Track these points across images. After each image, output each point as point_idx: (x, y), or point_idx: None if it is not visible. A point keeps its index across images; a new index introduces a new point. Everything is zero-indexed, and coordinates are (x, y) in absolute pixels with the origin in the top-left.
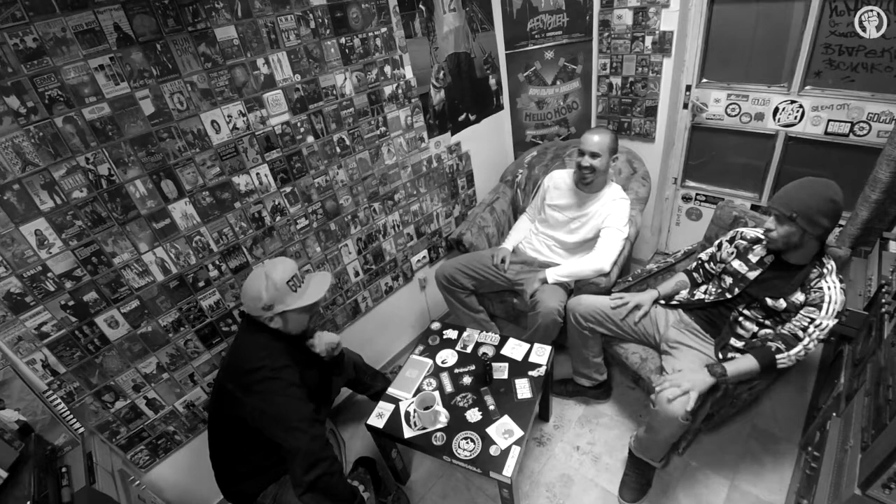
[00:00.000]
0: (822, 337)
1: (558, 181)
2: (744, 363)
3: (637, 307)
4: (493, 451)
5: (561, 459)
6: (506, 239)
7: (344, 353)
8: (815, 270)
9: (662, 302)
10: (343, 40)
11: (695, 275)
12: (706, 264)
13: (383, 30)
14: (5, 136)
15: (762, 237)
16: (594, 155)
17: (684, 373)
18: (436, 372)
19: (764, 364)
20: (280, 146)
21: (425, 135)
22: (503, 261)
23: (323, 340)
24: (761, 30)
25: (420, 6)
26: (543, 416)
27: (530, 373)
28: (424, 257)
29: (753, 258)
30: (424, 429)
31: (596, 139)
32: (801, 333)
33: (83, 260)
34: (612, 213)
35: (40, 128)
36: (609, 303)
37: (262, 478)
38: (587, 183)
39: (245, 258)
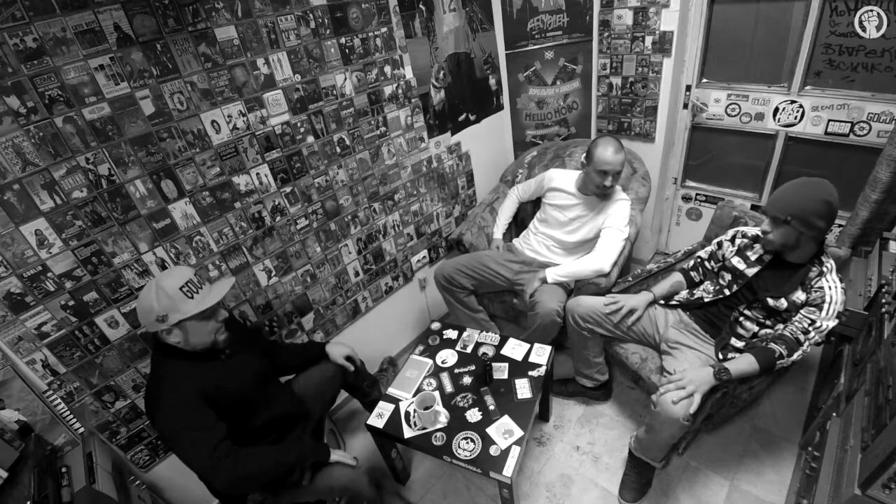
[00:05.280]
0: (820, 339)
1: (559, 182)
2: (745, 363)
3: (631, 311)
4: (493, 451)
5: (561, 459)
6: (496, 226)
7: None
8: (814, 269)
9: (662, 302)
10: (343, 40)
11: (692, 273)
12: (705, 262)
13: (383, 30)
14: (5, 136)
15: (760, 234)
16: (618, 174)
17: (686, 372)
18: (436, 372)
19: (764, 367)
20: (280, 146)
21: (425, 135)
22: (498, 248)
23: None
24: (761, 30)
25: (420, 6)
26: (543, 416)
27: (530, 373)
28: (424, 257)
29: (752, 256)
30: (424, 429)
31: (620, 158)
32: (801, 337)
33: (83, 260)
34: (612, 213)
35: (40, 128)
36: (603, 307)
37: None
38: (606, 195)
39: (245, 258)
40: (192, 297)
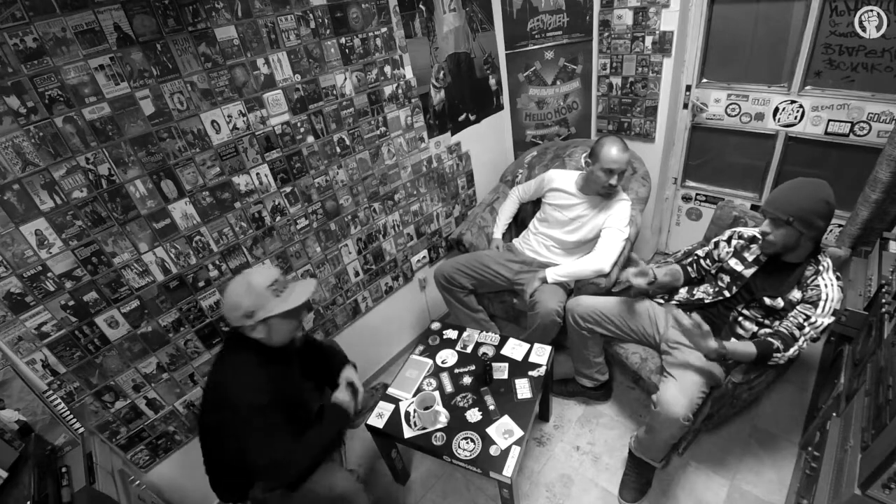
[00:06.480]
0: (816, 335)
1: (560, 183)
2: (742, 347)
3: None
4: (493, 451)
5: (561, 459)
6: (496, 226)
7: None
8: (810, 268)
9: (661, 301)
10: (343, 40)
11: (688, 268)
12: (701, 260)
13: (383, 30)
14: (5, 136)
15: (759, 236)
16: (623, 173)
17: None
18: (436, 372)
19: (761, 353)
20: (280, 146)
21: (425, 135)
22: (498, 248)
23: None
24: (761, 30)
25: (420, 6)
26: (543, 416)
27: (530, 373)
28: (424, 257)
29: (749, 256)
30: (424, 429)
31: (626, 157)
32: (797, 332)
33: (83, 260)
34: (613, 213)
35: (40, 128)
36: (603, 307)
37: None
38: (610, 195)
39: (245, 258)
40: (279, 296)
